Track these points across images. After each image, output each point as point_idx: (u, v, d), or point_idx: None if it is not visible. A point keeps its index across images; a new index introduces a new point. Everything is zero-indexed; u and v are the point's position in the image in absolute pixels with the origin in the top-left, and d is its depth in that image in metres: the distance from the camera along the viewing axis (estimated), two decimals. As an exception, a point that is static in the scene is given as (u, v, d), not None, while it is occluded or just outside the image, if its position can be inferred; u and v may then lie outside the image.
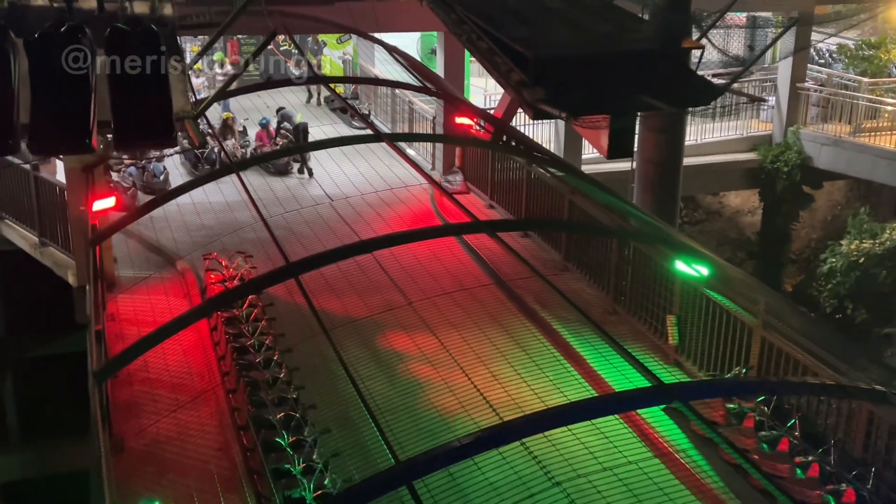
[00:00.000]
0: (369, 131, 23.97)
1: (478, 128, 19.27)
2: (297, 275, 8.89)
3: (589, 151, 22.45)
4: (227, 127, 21.81)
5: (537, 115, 14.96)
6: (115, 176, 18.42)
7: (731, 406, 10.94)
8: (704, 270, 11.82)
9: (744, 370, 11.42)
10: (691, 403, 8.61)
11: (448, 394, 12.19)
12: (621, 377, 12.54)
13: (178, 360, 12.58)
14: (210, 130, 20.37)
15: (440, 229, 13.11)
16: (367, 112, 24.42)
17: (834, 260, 20.94)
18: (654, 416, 11.41)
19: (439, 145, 20.72)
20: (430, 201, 19.51)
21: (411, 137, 19.41)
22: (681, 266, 12.12)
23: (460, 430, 11.46)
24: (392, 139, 13.46)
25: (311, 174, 20.55)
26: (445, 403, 11.94)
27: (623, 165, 20.85)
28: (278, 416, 10.01)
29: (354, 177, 20.75)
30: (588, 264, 15.42)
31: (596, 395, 12.03)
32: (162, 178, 18.90)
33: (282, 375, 11.01)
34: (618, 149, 15.50)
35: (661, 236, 11.74)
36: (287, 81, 16.50)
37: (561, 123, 21.71)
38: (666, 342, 13.07)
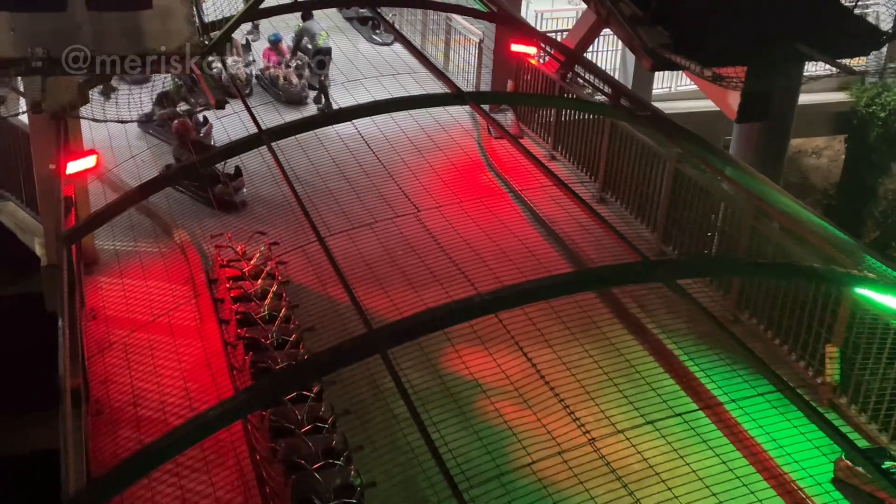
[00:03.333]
0: (396, 44, 20.68)
1: (540, 59, 15.78)
2: (385, 350, 5.69)
3: (659, 85, 19.00)
4: (227, 40, 18.03)
5: (658, 64, 11.48)
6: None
7: None
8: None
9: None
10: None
11: (553, 450, 9.09)
12: (772, 414, 9.51)
13: (179, 387, 9.44)
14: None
15: (590, 276, 8.57)
16: (391, 23, 20.59)
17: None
18: None
19: (485, 67, 17.08)
20: (476, 146, 16.14)
21: (502, 99, 15.27)
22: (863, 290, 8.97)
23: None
24: (477, 101, 9.98)
25: (329, 107, 16.95)
26: (551, 470, 8.85)
27: (705, 104, 17.42)
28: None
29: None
30: (696, 250, 12.24)
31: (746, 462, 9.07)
32: (204, 132, 15.19)
33: (342, 456, 7.79)
34: (752, 112, 12.12)
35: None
36: (324, 2, 12.75)
37: (627, 50, 18.11)
38: (816, 377, 10.08)
